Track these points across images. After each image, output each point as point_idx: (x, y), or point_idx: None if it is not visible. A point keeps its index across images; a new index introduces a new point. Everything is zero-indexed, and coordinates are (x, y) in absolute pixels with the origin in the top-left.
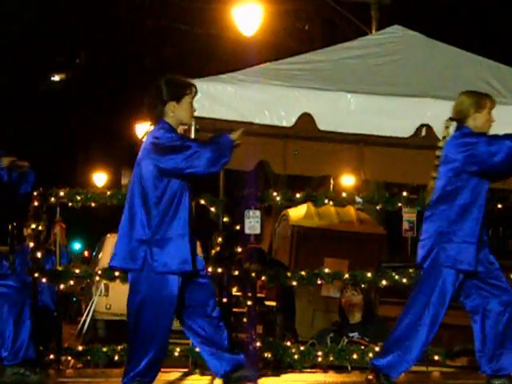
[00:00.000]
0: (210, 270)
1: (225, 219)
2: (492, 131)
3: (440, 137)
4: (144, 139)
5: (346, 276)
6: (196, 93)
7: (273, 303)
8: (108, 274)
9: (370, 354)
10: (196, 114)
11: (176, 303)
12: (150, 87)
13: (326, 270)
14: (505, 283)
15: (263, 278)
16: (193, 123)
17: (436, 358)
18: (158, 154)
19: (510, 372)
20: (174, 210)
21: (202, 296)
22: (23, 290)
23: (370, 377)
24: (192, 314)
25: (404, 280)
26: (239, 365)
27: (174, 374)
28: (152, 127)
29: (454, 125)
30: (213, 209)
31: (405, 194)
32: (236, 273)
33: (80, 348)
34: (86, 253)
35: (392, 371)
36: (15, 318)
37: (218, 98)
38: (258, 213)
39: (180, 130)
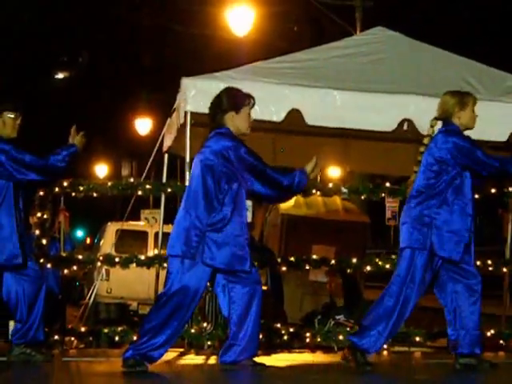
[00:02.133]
0: None
1: None
2: None
3: (424, 133)
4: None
5: (333, 262)
6: (254, 104)
7: (264, 287)
8: (109, 259)
9: None
10: (191, 109)
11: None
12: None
13: (314, 256)
14: (472, 267)
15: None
16: (188, 117)
17: (417, 339)
18: None
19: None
20: None
21: None
22: (42, 275)
23: (347, 353)
24: None
25: (387, 266)
26: None
27: (171, 354)
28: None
29: (439, 124)
30: None
31: (388, 184)
32: None
33: (83, 329)
34: (88, 240)
35: (370, 348)
36: (30, 299)
37: (212, 95)
38: (249, 202)
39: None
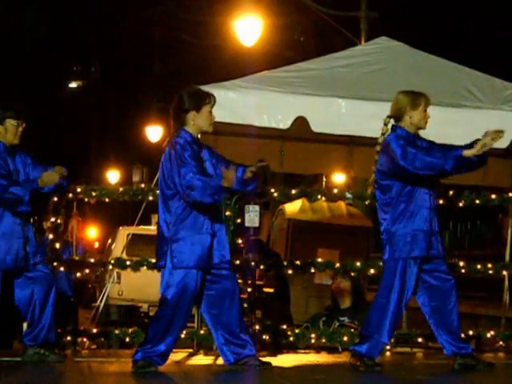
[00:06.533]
0: None
1: (227, 213)
2: (469, 136)
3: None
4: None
5: (338, 265)
6: (215, 102)
7: (271, 290)
8: (120, 263)
9: None
10: None
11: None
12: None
13: (319, 260)
14: (446, 268)
15: (261, 267)
16: None
17: (419, 340)
18: None
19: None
20: None
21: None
22: (51, 277)
23: (355, 362)
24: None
25: None
26: None
27: (180, 355)
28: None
29: (392, 121)
30: None
31: None
32: (237, 262)
33: (94, 331)
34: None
35: (373, 354)
36: (41, 301)
37: (221, 103)
38: (257, 207)
39: None
